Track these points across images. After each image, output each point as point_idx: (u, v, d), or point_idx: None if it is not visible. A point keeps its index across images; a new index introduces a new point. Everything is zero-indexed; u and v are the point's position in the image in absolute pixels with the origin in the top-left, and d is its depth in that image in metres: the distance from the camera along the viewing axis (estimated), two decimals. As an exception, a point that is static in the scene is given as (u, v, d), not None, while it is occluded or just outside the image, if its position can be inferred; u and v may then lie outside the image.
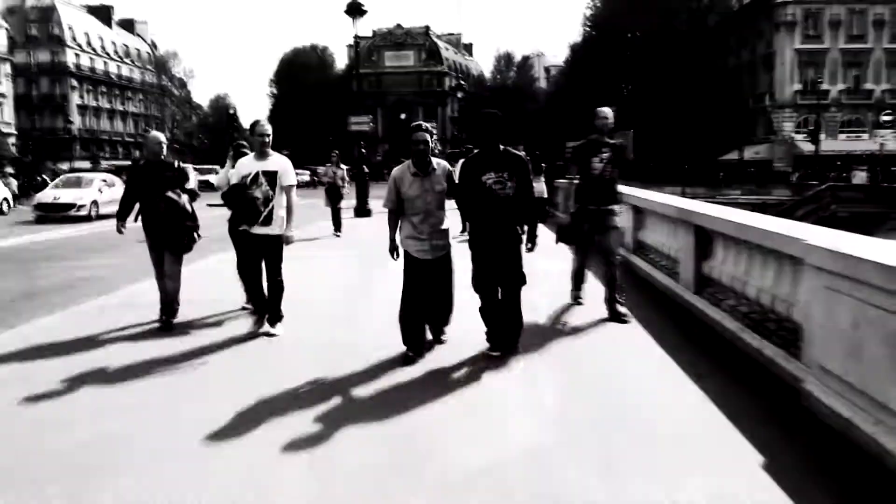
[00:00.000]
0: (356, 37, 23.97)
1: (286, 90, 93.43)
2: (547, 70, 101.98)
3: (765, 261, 6.07)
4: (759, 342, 5.74)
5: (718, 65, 60.80)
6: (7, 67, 71.53)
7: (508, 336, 5.92)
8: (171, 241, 7.20)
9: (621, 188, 8.13)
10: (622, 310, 7.25)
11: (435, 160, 5.84)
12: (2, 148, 56.78)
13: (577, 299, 7.99)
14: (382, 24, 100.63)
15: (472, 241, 5.90)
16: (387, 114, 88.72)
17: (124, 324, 7.35)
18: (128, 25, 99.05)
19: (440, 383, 5.35)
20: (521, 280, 5.83)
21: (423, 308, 5.97)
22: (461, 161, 10.23)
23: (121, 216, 7.34)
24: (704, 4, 62.48)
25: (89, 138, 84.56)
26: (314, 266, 11.36)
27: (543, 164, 19.76)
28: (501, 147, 5.72)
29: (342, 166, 17.49)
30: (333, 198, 17.01)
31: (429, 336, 6.23)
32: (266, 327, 6.91)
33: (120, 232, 7.34)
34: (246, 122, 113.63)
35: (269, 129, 6.76)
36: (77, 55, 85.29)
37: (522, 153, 9.09)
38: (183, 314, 7.47)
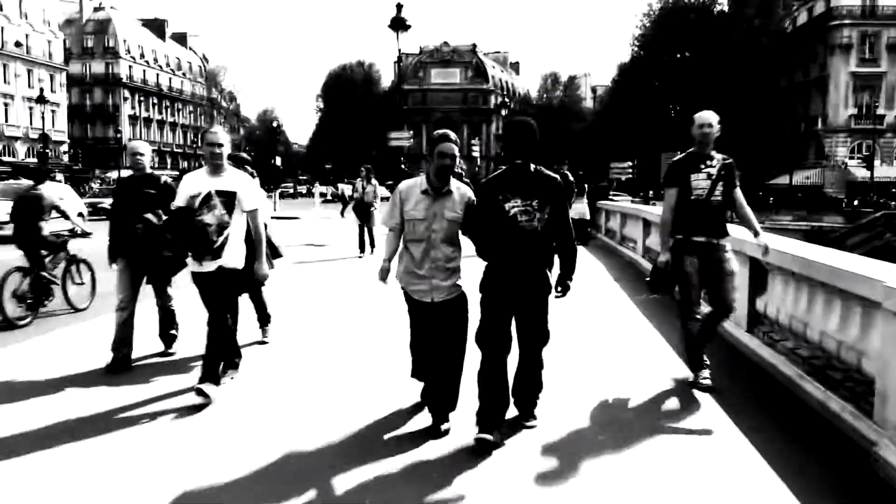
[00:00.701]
0: (400, 51, 23.85)
1: (333, 105, 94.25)
2: (593, 90, 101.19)
3: (829, 299, 5.39)
4: (822, 394, 5.10)
5: (769, 87, 59.30)
6: (63, 77, 73.48)
7: (526, 402, 4.93)
8: (150, 269, 6.33)
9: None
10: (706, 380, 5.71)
11: (455, 183, 4.74)
12: (48, 156, 57.79)
13: (701, 379, 5.68)
14: (430, 42, 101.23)
15: (486, 285, 4.62)
16: (432, 130, 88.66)
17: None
18: (181, 39, 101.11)
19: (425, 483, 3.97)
20: (545, 339, 4.73)
21: (433, 350, 4.86)
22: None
23: (111, 251, 6.34)
24: (756, 26, 61.06)
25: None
26: (329, 294, 10.69)
27: (587, 185, 19.23)
28: (533, 167, 4.53)
29: (373, 182, 15.99)
30: (360, 215, 15.91)
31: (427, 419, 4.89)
32: (205, 385, 5.25)
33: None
34: (291, 136, 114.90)
35: (222, 138, 5.37)
36: (130, 67, 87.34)
37: (567, 172, 8.36)
38: (182, 345, 6.68)
